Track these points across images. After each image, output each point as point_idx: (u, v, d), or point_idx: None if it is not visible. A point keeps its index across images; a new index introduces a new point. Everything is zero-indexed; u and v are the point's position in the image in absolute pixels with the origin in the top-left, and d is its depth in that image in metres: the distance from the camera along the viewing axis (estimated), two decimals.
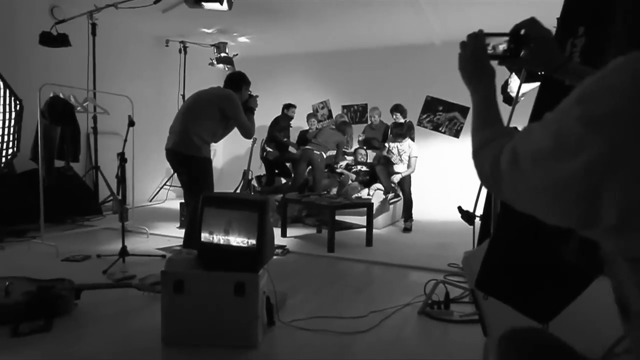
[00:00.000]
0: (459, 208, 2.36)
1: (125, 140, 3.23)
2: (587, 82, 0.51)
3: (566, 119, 0.51)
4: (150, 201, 6.93)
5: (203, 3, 3.90)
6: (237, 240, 1.94)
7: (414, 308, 2.49)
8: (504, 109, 2.40)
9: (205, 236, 1.97)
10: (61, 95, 4.15)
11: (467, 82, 0.89)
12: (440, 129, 7.13)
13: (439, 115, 7.12)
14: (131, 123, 3.28)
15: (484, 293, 1.29)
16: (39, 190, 3.72)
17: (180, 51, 7.18)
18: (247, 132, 3.20)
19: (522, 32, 0.90)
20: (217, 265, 1.96)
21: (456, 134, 6.96)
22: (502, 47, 0.93)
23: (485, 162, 0.67)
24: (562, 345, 0.83)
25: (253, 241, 1.93)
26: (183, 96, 7.06)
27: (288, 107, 6.64)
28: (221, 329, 1.94)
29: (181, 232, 4.39)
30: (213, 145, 3.32)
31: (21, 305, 2.10)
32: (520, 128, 0.71)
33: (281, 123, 6.53)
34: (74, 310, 2.33)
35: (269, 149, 6.52)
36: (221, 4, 3.95)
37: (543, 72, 1.28)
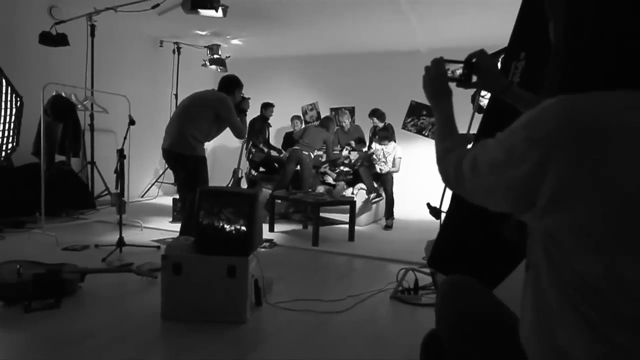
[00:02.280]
0: (428, 204, 2.65)
1: (125, 138, 3.45)
2: (531, 113, 0.74)
3: (515, 139, 0.74)
4: (142, 197, 7.12)
5: (199, 10, 4.13)
6: (230, 227, 2.21)
7: (386, 293, 2.78)
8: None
9: (202, 222, 2.23)
10: (63, 94, 4.35)
11: (430, 99, 1.12)
12: (423, 132, 7.46)
13: (423, 120, 7.44)
14: (131, 122, 3.51)
15: (435, 269, 1.57)
16: (39, 183, 3.92)
17: (174, 52, 7.39)
18: (240, 133, 3.44)
19: (474, 60, 1.13)
20: (212, 249, 2.22)
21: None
22: (458, 72, 1.18)
23: (450, 167, 0.90)
24: (494, 297, 1.07)
25: (244, 228, 2.20)
26: (176, 95, 7.27)
27: (266, 106, 6.71)
28: (214, 307, 2.20)
29: (173, 226, 4.64)
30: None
31: (32, 285, 2.33)
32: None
33: (256, 125, 6.59)
34: (79, 291, 2.57)
35: (254, 150, 6.74)
36: (216, 11, 4.20)
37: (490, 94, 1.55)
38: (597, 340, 0.67)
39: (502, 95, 1.16)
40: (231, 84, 3.50)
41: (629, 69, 0.72)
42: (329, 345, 2.10)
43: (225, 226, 2.21)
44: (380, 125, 5.84)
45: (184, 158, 3.18)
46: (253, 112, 6.87)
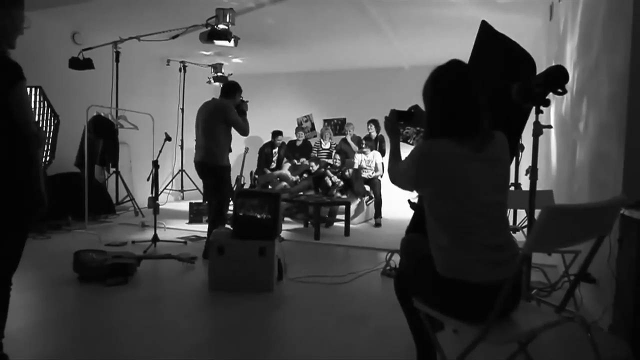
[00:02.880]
0: (409, 201, 3.40)
1: (160, 152, 4.13)
2: (415, 147, 1.53)
3: (409, 159, 1.54)
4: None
5: (215, 41, 4.85)
6: (259, 217, 2.94)
7: (377, 271, 3.52)
8: None
9: (239, 214, 2.95)
10: (102, 114, 5.02)
11: (388, 134, 1.89)
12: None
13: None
14: (168, 138, 4.18)
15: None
16: (69, 191, 4.56)
17: (180, 70, 8.09)
18: (243, 131, 4.00)
19: (412, 110, 1.90)
20: (246, 235, 2.94)
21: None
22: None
23: (395, 172, 1.68)
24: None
25: (270, 218, 2.92)
26: (182, 110, 7.96)
27: (275, 134, 7.54)
28: (249, 279, 2.92)
29: (191, 227, 5.33)
30: None
31: (107, 267, 3.02)
32: None
33: (265, 150, 7.53)
34: (137, 273, 3.25)
35: (257, 176, 7.50)
36: (229, 41, 4.92)
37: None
38: (448, 237, 1.46)
39: (422, 127, 1.94)
40: (232, 89, 4.06)
41: (447, 132, 1.49)
42: (335, 304, 2.83)
43: (257, 216, 2.94)
44: (375, 134, 6.63)
45: (212, 168, 3.83)
46: (264, 124, 7.65)
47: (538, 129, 2.11)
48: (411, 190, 1.64)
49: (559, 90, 2.03)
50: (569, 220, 1.22)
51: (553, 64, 4.43)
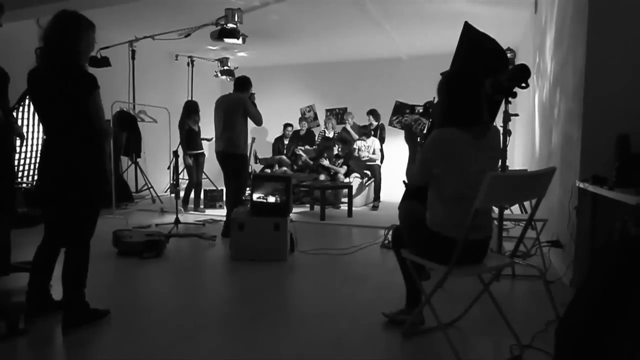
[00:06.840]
0: (403, 181, 3.82)
1: (180, 143, 4.57)
2: (429, 136, 1.96)
3: (423, 153, 1.97)
4: (165, 191, 8.22)
5: (225, 39, 5.25)
6: (274, 196, 3.39)
7: (377, 244, 3.99)
8: None
9: (255, 197, 3.41)
10: (124, 109, 5.46)
11: (407, 144, 2.34)
12: (412, 127, 8.67)
13: (406, 117, 8.64)
14: (187, 131, 4.61)
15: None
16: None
17: (188, 64, 8.48)
18: (258, 121, 4.44)
19: (428, 105, 2.36)
20: (263, 213, 3.39)
21: (420, 133, 8.50)
22: (420, 109, 2.41)
23: (417, 174, 2.10)
24: (423, 207, 2.26)
25: (283, 198, 3.38)
26: None
27: (286, 126, 8.08)
28: (265, 250, 3.39)
29: (208, 211, 5.79)
30: None
31: (142, 243, 3.49)
32: None
33: (278, 144, 8.04)
34: (167, 249, 3.72)
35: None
36: (238, 39, 5.32)
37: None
38: (443, 206, 1.88)
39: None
40: (246, 83, 4.51)
41: (456, 122, 1.89)
42: (340, 269, 3.30)
43: (270, 198, 3.40)
44: (375, 123, 7.04)
45: (233, 157, 4.25)
46: (267, 115, 8.06)
47: (507, 117, 2.54)
48: (425, 178, 1.97)
49: (523, 85, 2.45)
50: (509, 184, 1.66)
51: (537, 55, 4.82)
